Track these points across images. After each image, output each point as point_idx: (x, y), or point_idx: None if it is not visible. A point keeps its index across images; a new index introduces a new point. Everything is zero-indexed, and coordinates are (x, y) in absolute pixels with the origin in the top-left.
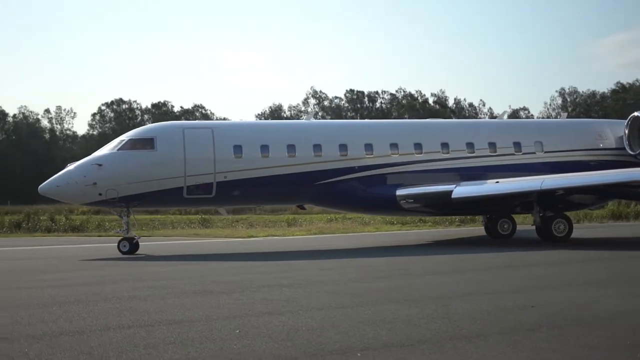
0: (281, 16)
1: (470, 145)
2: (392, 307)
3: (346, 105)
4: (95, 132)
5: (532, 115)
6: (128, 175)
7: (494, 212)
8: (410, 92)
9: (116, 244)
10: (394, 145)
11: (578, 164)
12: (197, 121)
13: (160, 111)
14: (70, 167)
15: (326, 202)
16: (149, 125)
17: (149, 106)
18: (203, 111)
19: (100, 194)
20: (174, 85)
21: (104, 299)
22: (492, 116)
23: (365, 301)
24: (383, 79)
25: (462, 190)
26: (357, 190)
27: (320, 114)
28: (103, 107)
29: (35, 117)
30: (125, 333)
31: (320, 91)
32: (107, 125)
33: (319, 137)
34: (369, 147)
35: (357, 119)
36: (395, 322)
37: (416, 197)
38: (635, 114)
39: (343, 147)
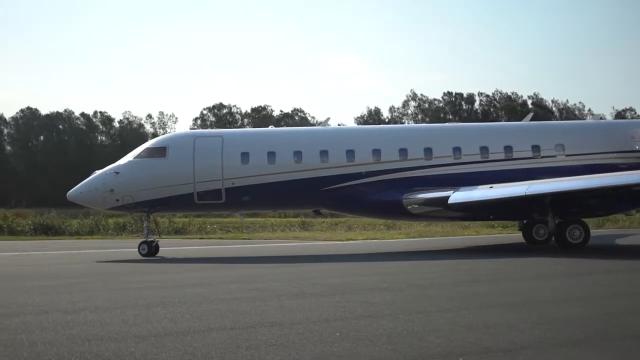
0: (380, 19)
1: (484, 150)
2: (493, 312)
3: (445, 107)
4: None
5: (638, 116)
6: (141, 182)
7: (503, 217)
8: (507, 94)
9: (224, 247)
10: (403, 151)
11: (604, 167)
12: (210, 130)
13: (260, 115)
14: (94, 174)
15: (334, 207)
16: (166, 135)
17: (249, 110)
18: (302, 115)
19: (117, 200)
20: (274, 90)
21: (206, 300)
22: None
23: (466, 305)
24: (480, 81)
25: (459, 196)
26: (364, 195)
27: (419, 116)
28: (204, 112)
29: (138, 122)
30: (227, 334)
31: (421, 94)
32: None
33: (326, 144)
34: (376, 152)
35: (455, 121)
36: (496, 327)
37: (421, 203)
38: None
39: (350, 153)
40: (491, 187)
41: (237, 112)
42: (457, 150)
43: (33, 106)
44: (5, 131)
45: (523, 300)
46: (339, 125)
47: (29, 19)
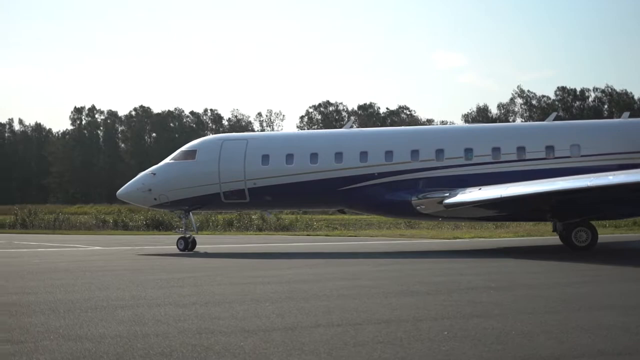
0: (485, 17)
1: (496, 151)
2: (606, 313)
3: (556, 103)
4: None
5: None
6: (174, 183)
7: (502, 218)
8: (621, 90)
9: (330, 243)
10: (415, 152)
11: (622, 168)
12: (237, 134)
13: (366, 113)
14: (138, 175)
15: (352, 206)
16: (198, 139)
17: (355, 108)
18: (408, 112)
19: (155, 199)
20: (380, 87)
21: (313, 296)
22: None
23: (577, 306)
24: (591, 78)
25: (454, 198)
26: (376, 195)
27: (526, 113)
28: (310, 110)
29: (247, 120)
30: (334, 331)
31: (528, 90)
32: (314, 127)
33: (341, 146)
34: (389, 154)
35: (567, 118)
36: (610, 329)
37: (428, 204)
38: None
39: (364, 155)
40: (480, 189)
41: (344, 109)
42: (468, 151)
43: (145, 104)
44: (120, 129)
45: (638, 304)
46: (444, 123)
47: (141, 21)
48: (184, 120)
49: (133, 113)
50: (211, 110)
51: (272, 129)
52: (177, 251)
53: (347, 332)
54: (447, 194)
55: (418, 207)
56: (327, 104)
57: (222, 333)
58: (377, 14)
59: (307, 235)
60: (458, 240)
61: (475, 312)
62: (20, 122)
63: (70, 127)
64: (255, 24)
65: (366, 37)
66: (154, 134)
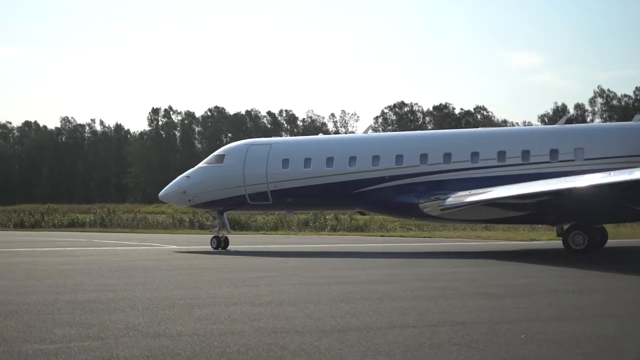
0: (562, 15)
1: (501, 155)
2: None
3: (636, 103)
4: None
5: None
6: (204, 185)
7: (502, 221)
8: None
9: (405, 244)
10: (423, 156)
11: None
12: (263, 139)
13: (441, 113)
14: (177, 177)
15: (365, 207)
16: (229, 144)
17: (430, 108)
18: (485, 113)
19: (189, 200)
20: (456, 87)
21: (388, 297)
22: None
23: None
24: None
25: (450, 200)
26: (387, 198)
27: (606, 113)
28: (385, 110)
29: (321, 121)
30: (409, 332)
31: (609, 89)
32: (389, 128)
33: (355, 150)
34: (399, 158)
35: None
36: None
37: (432, 206)
38: None
39: (376, 159)
40: (469, 192)
41: (419, 110)
42: (475, 155)
43: (220, 105)
44: (196, 129)
45: None
46: (522, 124)
47: (216, 22)
48: (260, 120)
49: (209, 113)
50: (286, 111)
51: (346, 130)
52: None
53: (423, 334)
54: (450, 197)
55: (425, 210)
56: (402, 104)
57: (297, 332)
58: (452, 13)
59: (382, 236)
60: (534, 242)
61: (554, 315)
62: (102, 123)
63: (148, 128)
64: (329, 24)
65: (442, 37)
66: (230, 134)
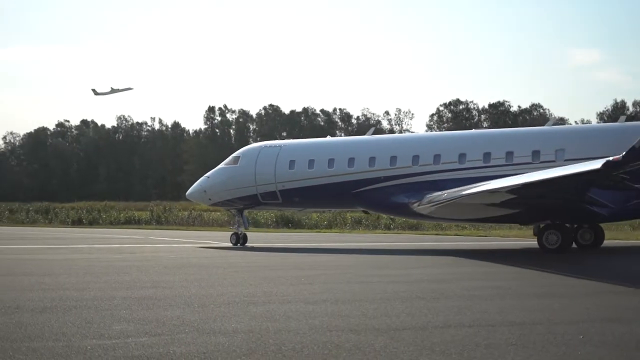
0: (621, 11)
1: (487, 156)
2: None
3: None
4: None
5: None
6: (221, 185)
7: (483, 220)
8: None
9: (459, 243)
10: (415, 157)
11: None
12: (274, 141)
13: (497, 111)
14: (201, 178)
15: (365, 206)
16: (246, 147)
17: (486, 106)
18: (541, 110)
19: (209, 199)
20: (512, 85)
21: (444, 296)
22: None
23: None
24: None
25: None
26: (383, 197)
27: None
28: (441, 108)
29: (376, 119)
30: (465, 331)
31: None
32: (444, 125)
33: (353, 152)
34: (393, 159)
35: None
36: None
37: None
38: None
39: (372, 160)
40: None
41: (474, 108)
42: (462, 156)
43: (275, 103)
44: (251, 127)
45: None
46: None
47: (271, 22)
48: (315, 119)
49: (263, 112)
50: (340, 109)
51: (401, 128)
52: (300, 249)
53: (479, 334)
54: (432, 195)
55: (414, 209)
56: (457, 102)
57: (352, 331)
58: (509, 10)
59: (436, 234)
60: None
61: (614, 316)
62: (160, 121)
63: (204, 126)
64: (385, 23)
65: (498, 33)
66: (284, 133)
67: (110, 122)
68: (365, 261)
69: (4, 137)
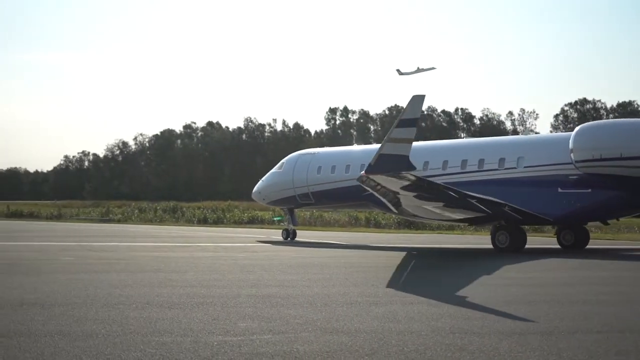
0: None
1: (464, 163)
2: None
3: None
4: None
5: None
6: (269, 187)
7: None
8: None
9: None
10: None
11: (556, 179)
12: (310, 149)
13: (626, 111)
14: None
15: (376, 207)
16: (290, 155)
17: (614, 105)
18: None
19: (263, 199)
20: None
21: (570, 301)
22: None
23: None
24: None
25: None
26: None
27: None
28: (566, 108)
29: (498, 119)
30: (594, 337)
31: None
32: (570, 126)
33: (366, 159)
34: None
35: None
36: None
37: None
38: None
39: None
40: None
41: (602, 107)
42: (445, 163)
43: (398, 104)
44: (372, 128)
45: None
46: None
47: (390, 24)
48: (436, 119)
49: (386, 112)
50: (462, 109)
51: (525, 129)
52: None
53: (608, 340)
54: None
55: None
56: (584, 101)
57: (476, 334)
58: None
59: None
60: None
61: None
62: (283, 122)
63: (325, 127)
64: (509, 21)
65: (629, 30)
66: None
67: (235, 124)
68: (487, 263)
69: (135, 138)
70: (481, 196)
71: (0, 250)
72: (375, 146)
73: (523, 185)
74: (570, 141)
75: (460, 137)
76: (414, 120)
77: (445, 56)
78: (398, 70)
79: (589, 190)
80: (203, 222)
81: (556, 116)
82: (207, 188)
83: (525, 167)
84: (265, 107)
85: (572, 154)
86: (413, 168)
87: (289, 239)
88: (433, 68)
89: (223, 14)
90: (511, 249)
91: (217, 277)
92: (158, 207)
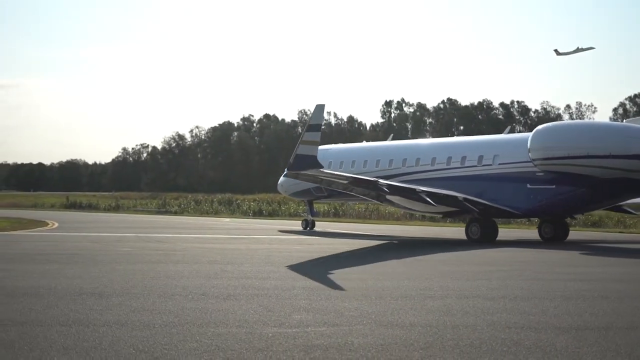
0: None
1: (449, 160)
2: None
3: None
4: None
5: None
6: (288, 180)
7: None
8: None
9: None
10: (404, 160)
11: (520, 175)
12: (325, 145)
13: None
14: None
15: (384, 199)
16: None
17: None
18: None
19: (285, 191)
20: None
21: (629, 297)
22: None
23: None
24: None
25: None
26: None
27: None
28: (625, 102)
29: (555, 112)
30: None
31: None
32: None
33: (368, 156)
34: (391, 162)
35: None
36: None
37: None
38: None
39: (390, 162)
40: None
41: None
42: (433, 159)
43: (453, 97)
44: (428, 121)
45: None
46: None
47: (450, 18)
48: (492, 112)
49: (441, 105)
50: (518, 102)
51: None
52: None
53: None
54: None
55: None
56: None
57: (532, 329)
58: None
59: (620, 232)
60: None
61: None
62: (335, 115)
63: (380, 120)
64: (559, 15)
65: None
66: (461, 127)
67: (290, 116)
68: (543, 257)
69: (191, 131)
70: (432, 190)
71: (60, 241)
72: (376, 144)
73: (488, 180)
74: (528, 141)
75: (516, 131)
76: (318, 125)
77: (501, 48)
78: (556, 51)
79: (553, 186)
80: (259, 214)
81: (615, 109)
82: (262, 180)
83: (484, 165)
84: (318, 100)
85: (529, 153)
86: (320, 166)
87: (307, 228)
88: (592, 48)
89: (280, 8)
90: (482, 240)
91: (271, 269)
92: (214, 199)
